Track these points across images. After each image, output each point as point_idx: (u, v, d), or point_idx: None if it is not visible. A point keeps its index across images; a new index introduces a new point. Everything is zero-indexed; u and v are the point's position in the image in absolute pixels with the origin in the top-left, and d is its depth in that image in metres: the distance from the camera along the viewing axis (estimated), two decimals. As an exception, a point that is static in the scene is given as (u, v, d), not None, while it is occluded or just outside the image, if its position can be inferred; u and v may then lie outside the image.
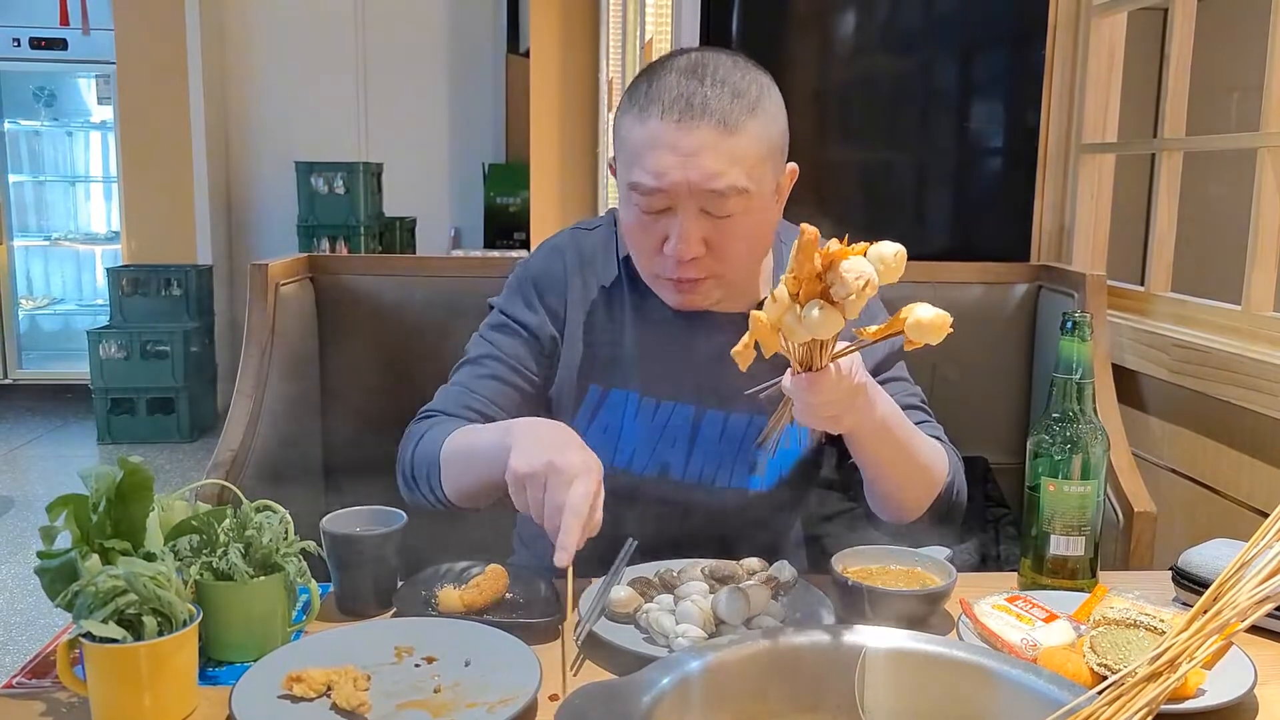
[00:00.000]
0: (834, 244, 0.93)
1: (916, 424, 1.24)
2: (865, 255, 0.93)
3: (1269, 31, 1.59)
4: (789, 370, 1.05)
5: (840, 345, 1.02)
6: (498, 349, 1.31)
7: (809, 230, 0.92)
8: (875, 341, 0.99)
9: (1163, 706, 0.72)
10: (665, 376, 1.30)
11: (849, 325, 0.97)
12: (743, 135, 1.14)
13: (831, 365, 1.01)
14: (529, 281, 1.33)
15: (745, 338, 1.00)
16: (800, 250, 0.93)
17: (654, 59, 1.26)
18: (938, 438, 1.29)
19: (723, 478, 1.31)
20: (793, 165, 1.24)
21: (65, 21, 5.29)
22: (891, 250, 0.94)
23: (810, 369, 1.01)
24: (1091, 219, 2.11)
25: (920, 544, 1.16)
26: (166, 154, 5.34)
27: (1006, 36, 2.30)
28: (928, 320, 0.95)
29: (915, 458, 1.22)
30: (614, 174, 1.29)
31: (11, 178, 5.67)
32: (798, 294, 0.96)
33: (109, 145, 5.70)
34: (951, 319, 0.96)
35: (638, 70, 1.28)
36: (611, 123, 1.28)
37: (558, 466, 1.00)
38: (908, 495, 1.25)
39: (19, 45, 5.35)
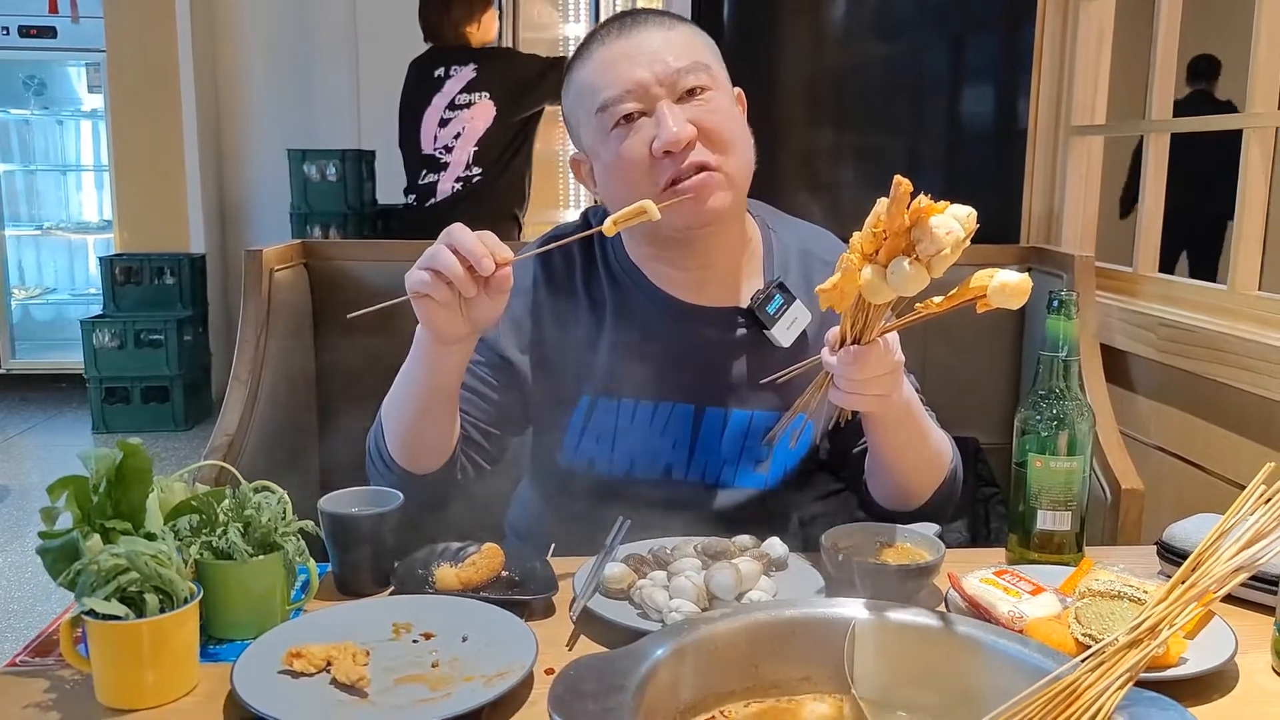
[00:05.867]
0: (923, 199, 0.92)
1: None
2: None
3: (1253, 13, 1.61)
4: (825, 349, 1.05)
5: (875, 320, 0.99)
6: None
7: (903, 182, 0.90)
8: (942, 313, 0.98)
9: (1147, 674, 0.74)
10: (658, 376, 1.26)
11: (829, 314, 0.97)
12: (684, 32, 1.21)
13: (880, 339, 1.02)
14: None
15: (834, 277, 0.96)
16: (893, 203, 0.91)
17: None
18: None
19: (727, 476, 1.29)
20: (739, 89, 1.27)
21: (54, 10, 5.26)
22: (965, 211, 0.93)
23: (857, 342, 1.00)
24: (1081, 201, 2.13)
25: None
26: (158, 142, 5.32)
27: (996, 19, 2.31)
28: (1014, 284, 0.94)
29: (930, 443, 1.23)
30: (577, 172, 1.28)
31: (2, 167, 5.66)
32: (874, 254, 0.94)
33: (100, 134, 5.68)
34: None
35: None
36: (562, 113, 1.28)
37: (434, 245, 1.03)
38: (919, 481, 1.25)
39: (8, 34, 5.32)
